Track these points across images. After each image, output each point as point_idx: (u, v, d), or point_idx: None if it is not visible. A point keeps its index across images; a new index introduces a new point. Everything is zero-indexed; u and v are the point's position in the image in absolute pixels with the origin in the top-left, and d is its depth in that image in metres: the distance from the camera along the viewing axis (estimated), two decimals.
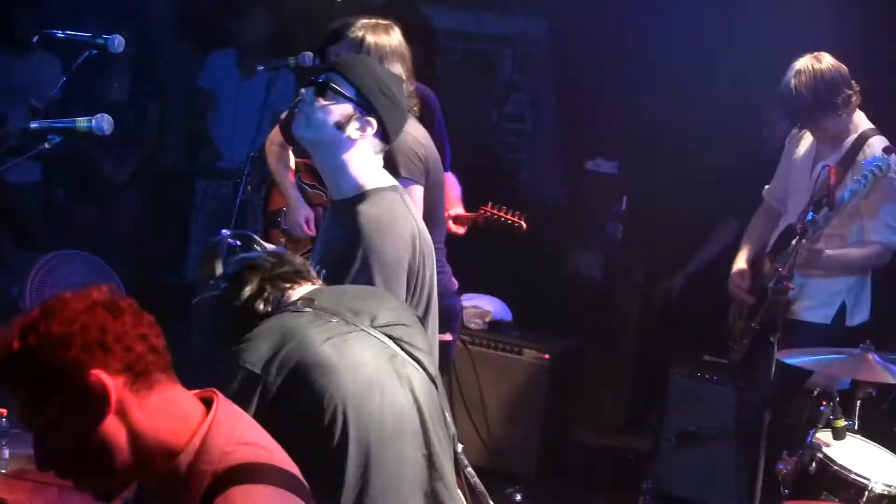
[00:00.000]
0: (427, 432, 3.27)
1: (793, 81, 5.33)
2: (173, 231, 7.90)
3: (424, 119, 5.78)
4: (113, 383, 2.31)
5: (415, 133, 4.55)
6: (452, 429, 3.45)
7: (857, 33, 6.10)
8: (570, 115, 8.20)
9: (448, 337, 4.66)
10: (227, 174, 7.40)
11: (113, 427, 2.34)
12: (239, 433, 2.44)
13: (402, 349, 3.30)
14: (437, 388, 3.39)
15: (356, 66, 3.82)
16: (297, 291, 3.32)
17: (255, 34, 7.65)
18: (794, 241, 5.10)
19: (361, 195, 3.75)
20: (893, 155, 5.13)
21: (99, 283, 2.41)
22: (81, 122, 3.89)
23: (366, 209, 3.71)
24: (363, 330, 3.24)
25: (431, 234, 4.36)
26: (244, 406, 3.04)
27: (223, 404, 2.49)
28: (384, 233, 3.69)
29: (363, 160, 3.77)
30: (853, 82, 5.34)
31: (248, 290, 3.29)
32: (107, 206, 7.76)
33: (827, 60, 5.33)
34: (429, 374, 3.35)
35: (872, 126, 5.40)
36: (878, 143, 5.27)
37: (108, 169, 7.67)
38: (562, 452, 6.86)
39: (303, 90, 3.81)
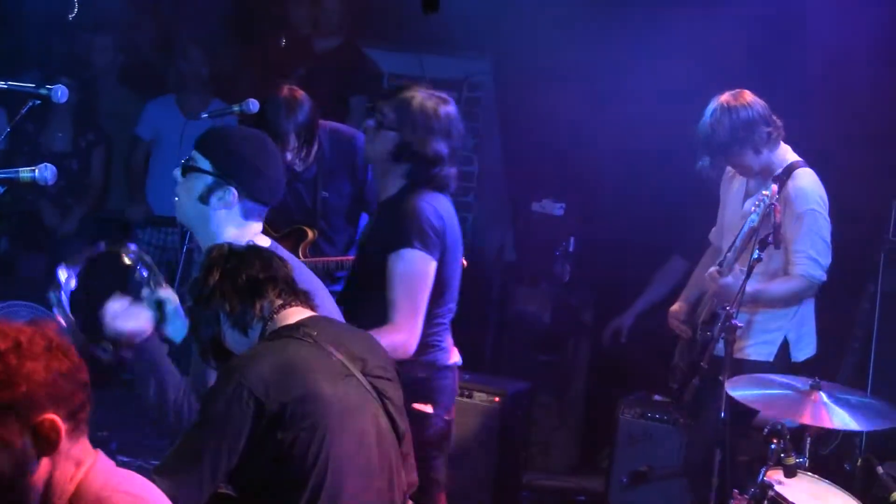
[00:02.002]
0: (392, 490, 3.36)
1: (709, 121, 5.33)
2: (120, 280, 7.79)
3: (346, 161, 5.81)
4: (63, 429, 2.29)
5: (437, 205, 4.56)
6: (405, 486, 3.51)
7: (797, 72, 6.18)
8: (515, 156, 8.22)
9: (426, 408, 4.66)
10: (173, 221, 7.34)
11: (42, 470, 2.31)
12: (116, 482, 2.42)
13: (383, 404, 3.40)
14: (400, 444, 3.45)
15: (208, 139, 3.91)
16: (293, 313, 3.40)
17: (194, 72, 7.68)
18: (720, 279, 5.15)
19: None
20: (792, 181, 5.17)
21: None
22: (24, 173, 3.86)
23: None
24: (355, 376, 3.33)
25: (438, 307, 4.53)
26: (233, 422, 3.08)
27: (103, 456, 2.45)
28: None
29: (232, 228, 3.84)
30: (774, 118, 5.34)
31: (253, 270, 3.40)
32: (52, 256, 7.68)
33: (745, 98, 5.31)
34: (396, 431, 3.45)
35: (799, 159, 5.40)
36: (802, 176, 5.30)
37: (53, 219, 7.61)
38: (515, 495, 6.83)
39: (175, 171, 3.91)
